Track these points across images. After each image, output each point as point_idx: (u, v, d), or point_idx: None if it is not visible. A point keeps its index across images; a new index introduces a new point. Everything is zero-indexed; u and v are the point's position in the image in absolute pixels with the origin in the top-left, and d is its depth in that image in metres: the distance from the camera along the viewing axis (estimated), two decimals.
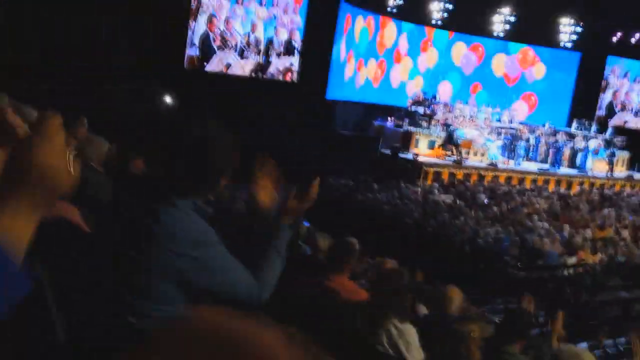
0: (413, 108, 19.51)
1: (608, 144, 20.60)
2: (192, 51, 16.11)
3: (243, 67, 17.38)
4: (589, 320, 7.38)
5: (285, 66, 18.49)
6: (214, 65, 16.71)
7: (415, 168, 16.20)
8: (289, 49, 18.51)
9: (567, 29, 23.74)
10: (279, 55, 18.30)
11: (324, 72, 19.13)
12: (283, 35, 18.31)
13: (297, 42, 18.66)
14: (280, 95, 17.35)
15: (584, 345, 6.13)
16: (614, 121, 24.33)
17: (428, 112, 19.26)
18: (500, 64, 24.31)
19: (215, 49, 16.64)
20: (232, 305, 1.86)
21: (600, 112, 24.74)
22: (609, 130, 21.90)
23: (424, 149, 18.14)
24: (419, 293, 3.11)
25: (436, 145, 18.35)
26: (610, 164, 19.91)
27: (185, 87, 14.11)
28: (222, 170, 1.98)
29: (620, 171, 20.81)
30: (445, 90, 23.44)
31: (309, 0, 18.51)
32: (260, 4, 17.56)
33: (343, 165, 15.33)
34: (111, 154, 4.14)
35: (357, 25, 20.73)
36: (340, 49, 20.09)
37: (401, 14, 21.82)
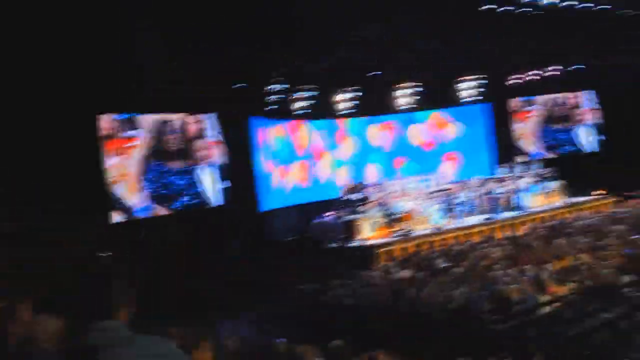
0: (348, 196, 19.67)
1: (538, 178, 21.29)
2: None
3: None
4: (582, 352, 7.28)
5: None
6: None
7: (368, 253, 16.12)
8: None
9: (466, 85, 25.05)
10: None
11: (252, 189, 19.34)
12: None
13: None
14: (214, 221, 17.34)
15: None
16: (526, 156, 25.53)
17: (363, 196, 19.44)
18: (416, 134, 25.12)
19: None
20: None
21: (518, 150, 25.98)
22: (535, 165, 22.70)
23: (368, 232, 18.17)
24: None
25: (379, 226, 18.43)
26: (536, 197, 20.58)
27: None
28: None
29: (558, 200, 21.41)
30: (372, 172, 23.91)
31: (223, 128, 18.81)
32: None
33: (294, 271, 15.11)
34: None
35: (271, 134, 21.11)
36: (261, 162, 20.32)
37: (309, 115, 22.42)
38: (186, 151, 18.08)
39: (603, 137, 26.18)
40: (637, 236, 12.90)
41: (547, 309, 9.04)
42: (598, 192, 21.96)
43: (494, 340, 8.25)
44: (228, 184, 18.60)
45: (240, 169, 19.03)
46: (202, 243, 15.90)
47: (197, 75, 16.38)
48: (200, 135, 18.46)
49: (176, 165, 17.82)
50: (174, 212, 17.44)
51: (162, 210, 17.14)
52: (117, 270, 2.10)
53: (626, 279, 9.44)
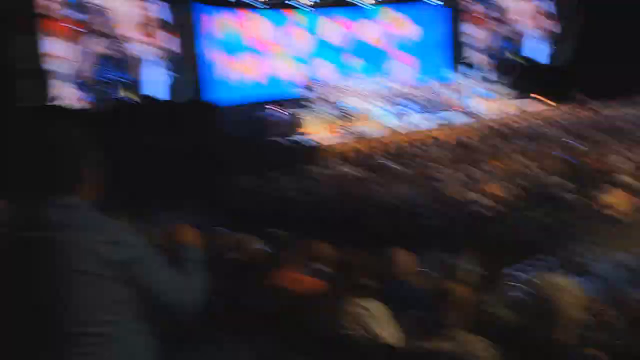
0: (298, 92, 19.53)
1: (490, 83, 21.53)
2: None
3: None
4: (516, 248, 7.65)
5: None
6: None
7: (315, 150, 16.22)
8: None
9: None
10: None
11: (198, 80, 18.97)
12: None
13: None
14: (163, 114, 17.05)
15: (516, 273, 6.35)
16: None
17: (313, 93, 19.32)
18: (372, 31, 24.69)
19: None
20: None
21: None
22: (488, 70, 22.85)
23: (320, 129, 18.19)
24: (367, 266, 3.08)
25: (329, 124, 18.46)
26: (487, 101, 20.87)
27: None
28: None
29: (507, 106, 21.76)
30: (322, 69, 23.61)
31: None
32: None
33: (241, 164, 15.11)
34: None
35: (218, 24, 20.46)
36: (211, 52, 19.83)
37: (263, 5, 21.74)
38: (130, 38, 17.44)
39: (552, 46, 26.37)
40: (574, 142, 13.37)
41: (486, 208, 9.38)
42: (543, 99, 22.38)
43: (432, 235, 8.58)
44: (174, 74, 18.17)
45: (186, 59, 18.53)
46: (146, 135, 15.60)
47: None
48: (145, 22, 17.77)
49: (118, 53, 17.20)
50: (116, 103, 17.03)
51: (101, 102, 16.67)
52: (79, 137, 1.92)
53: (562, 182, 9.83)
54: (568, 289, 2.92)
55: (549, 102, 22.25)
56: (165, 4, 18.04)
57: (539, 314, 2.66)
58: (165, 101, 18.01)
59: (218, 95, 19.79)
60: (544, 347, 2.58)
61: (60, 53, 15.60)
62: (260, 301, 2.55)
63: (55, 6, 15.50)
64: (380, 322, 2.68)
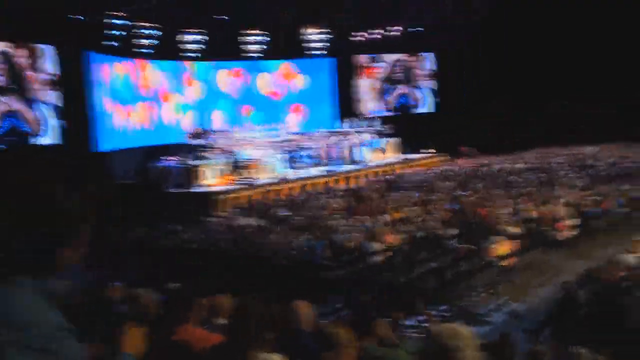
0: (193, 142, 19.31)
1: (378, 134, 22.25)
2: None
3: None
4: (410, 297, 7.83)
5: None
6: None
7: (210, 200, 16.02)
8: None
9: (316, 38, 25.42)
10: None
11: (88, 127, 18.46)
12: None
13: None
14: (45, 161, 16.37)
15: (410, 322, 6.48)
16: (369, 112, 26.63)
17: (208, 142, 19.19)
18: (265, 83, 25.13)
19: None
20: None
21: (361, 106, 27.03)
22: (376, 121, 23.60)
23: (213, 179, 18.03)
24: (268, 318, 3.03)
25: (224, 173, 18.35)
26: (376, 151, 21.58)
27: None
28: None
29: (395, 156, 22.59)
30: (218, 119, 23.65)
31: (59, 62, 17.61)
32: None
33: (133, 215, 14.71)
34: None
35: (115, 73, 20.12)
36: (103, 100, 19.35)
37: (156, 55, 21.63)
38: (17, 85, 16.75)
39: (438, 99, 27.79)
40: (462, 193, 13.98)
41: (380, 256, 9.57)
42: (430, 150, 23.39)
43: (330, 285, 8.63)
44: (63, 122, 17.56)
45: (76, 107, 17.99)
46: (34, 183, 14.87)
47: (31, 3, 15.17)
48: (33, 68, 17.14)
49: (5, 100, 16.47)
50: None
51: None
52: None
53: (451, 231, 10.21)
54: (463, 336, 3.01)
55: (437, 153, 23.25)
56: (55, 52, 17.50)
57: None
58: (55, 148, 17.32)
59: (109, 144, 19.25)
60: None
61: None
62: (159, 357, 2.45)
63: None
64: None
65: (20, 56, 16.83)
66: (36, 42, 17.04)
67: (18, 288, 1.61)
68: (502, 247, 9.01)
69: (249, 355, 2.53)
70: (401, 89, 27.89)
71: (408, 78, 27.93)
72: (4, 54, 16.47)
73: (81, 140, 18.02)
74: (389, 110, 27.31)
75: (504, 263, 8.64)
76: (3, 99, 16.47)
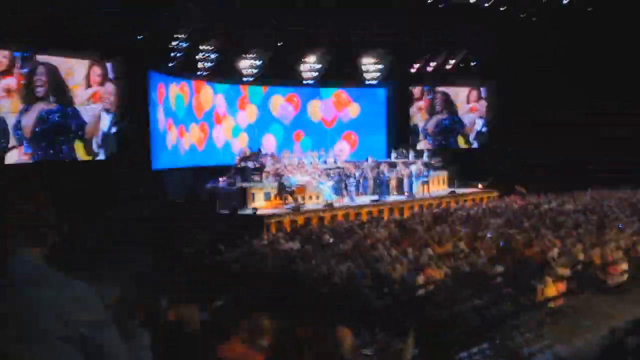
0: (242, 164, 19.60)
1: (427, 166, 22.11)
2: None
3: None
4: (451, 333, 7.72)
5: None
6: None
7: (257, 222, 16.18)
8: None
9: (371, 67, 25.59)
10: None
11: (145, 145, 18.94)
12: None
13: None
14: (109, 174, 16.93)
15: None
16: (420, 144, 26.45)
17: (257, 165, 19.44)
18: (317, 109, 25.37)
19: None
20: None
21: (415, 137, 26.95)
22: (426, 153, 23.48)
23: (260, 202, 18.25)
24: (309, 342, 3.06)
25: (272, 197, 18.55)
26: (425, 184, 21.39)
27: None
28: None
29: (443, 189, 22.43)
30: (269, 142, 23.96)
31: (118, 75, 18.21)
32: None
33: (184, 233, 15.04)
34: None
35: (171, 92, 20.64)
36: (159, 119, 19.85)
37: (213, 76, 22.14)
38: (78, 96, 17.35)
39: (490, 132, 27.49)
40: (510, 230, 13.75)
41: (423, 290, 9.48)
42: (480, 185, 23.14)
43: (371, 315, 8.58)
44: (121, 136, 18.11)
45: (136, 123, 18.52)
46: (90, 194, 15.34)
47: (99, 20, 15.78)
48: (98, 81, 17.75)
49: (68, 109, 17.06)
50: (64, 160, 16.83)
51: (49, 156, 16.44)
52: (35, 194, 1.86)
53: (497, 269, 10.05)
54: None
55: (486, 188, 22.99)
56: (120, 69, 18.10)
57: None
58: (114, 162, 17.86)
59: (162, 162, 19.70)
60: None
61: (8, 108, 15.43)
62: None
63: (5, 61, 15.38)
64: None
65: (83, 71, 17.43)
66: (98, 59, 17.64)
67: (69, 281, 1.71)
68: (549, 288, 8.83)
69: None
70: (453, 121, 27.72)
71: (461, 110, 27.77)
72: (77, 67, 17.13)
73: (139, 157, 18.47)
74: (439, 143, 27.16)
75: (551, 304, 8.45)
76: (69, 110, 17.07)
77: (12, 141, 15.56)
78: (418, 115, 27.21)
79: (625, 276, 10.19)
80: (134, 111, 18.41)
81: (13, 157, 15.57)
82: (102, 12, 15.81)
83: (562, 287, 8.98)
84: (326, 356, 3.40)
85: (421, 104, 27.19)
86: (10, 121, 15.52)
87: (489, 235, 13.34)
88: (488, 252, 11.61)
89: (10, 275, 1.73)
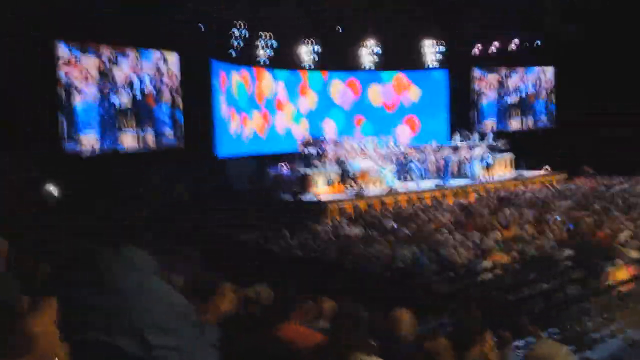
0: (305, 150, 19.70)
1: (492, 149, 21.65)
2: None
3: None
4: (517, 317, 7.57)
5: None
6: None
7: (320, 208, 16.26)
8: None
9: (431, 50, 25.18)
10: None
11: (209, 133, 19.30)
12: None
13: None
14: (171, 162, 17.29)
15: (518, 342, 6.26)
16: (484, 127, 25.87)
17: (319, 151, 19.50)
18: (377, 94, 25.19)
19: None
20: None
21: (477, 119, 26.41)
22: (490, 136, 22.96)
23: (323, 187, 18.33)
24: (370, 324, 3.06)
25: (334, 182, 18.59)
26: (489, 167, 20.92)
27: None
28: None
29: (509, 172, 21.94)
30: (330, 128, 23.97)
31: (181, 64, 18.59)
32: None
33: (248, 219, 15.28)
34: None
35: (233, 80, 20.88)
36: (221, 107, 20.14)
37: (274, 63, 22.27)
38: (152, 88, 17.82)
39: (555, 113, 26.67)
40: (579, 213, 13.36)
41: (488, 274, 9.33)
42: (546, 167, 22.53)
43: (435, 300, 8.50)
44: (188, 126, 18.56)
45: (200, 113, 18.87)
46: (154, 182, 15.77)
47: (160, 12, 16.12)
48: (163, 72, 18.17)
49: (138, 101, 17.54)
50: (138, 148, 17.38)
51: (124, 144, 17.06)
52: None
53: (566, 253, 9.79)
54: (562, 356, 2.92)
55: (553, 171, 22.37)
56: (180, 59, 18.48)
57: None
58: (177, 151, 18.29)
59: (226, 150, 20.01)
60: None
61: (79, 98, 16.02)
62: (266, 353, 2.54)
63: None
64: None
65: (149, 62, 17.87)
66: (162, 49, 18.02)
67: (149, 274, 1.72)
68: (620, 272, 8.54)
69: (350, 356, 2.57)
70: (517, 103, 27.03)
71: (525, 92, 27.04)
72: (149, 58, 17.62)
73: (204, 145, 18.84)
74: (503, 125, 26.54)
75: (622, 288, 8.17)
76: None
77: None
78: (481, 97, 26.63)
79: None
80: (197, 100, 18.74)
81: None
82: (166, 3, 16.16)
83: (633, 270, 8.67)
84: (387, 338, 3.39)
85: (484, 85, 26.59)
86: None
87: (557, 218, 13.00)
88: (556, 235, 11.33)
89: (121, 267, 1.72)
